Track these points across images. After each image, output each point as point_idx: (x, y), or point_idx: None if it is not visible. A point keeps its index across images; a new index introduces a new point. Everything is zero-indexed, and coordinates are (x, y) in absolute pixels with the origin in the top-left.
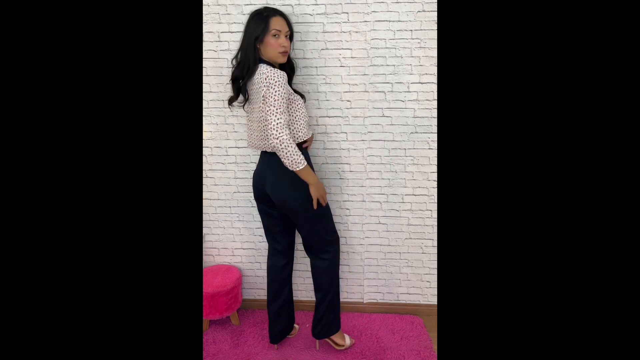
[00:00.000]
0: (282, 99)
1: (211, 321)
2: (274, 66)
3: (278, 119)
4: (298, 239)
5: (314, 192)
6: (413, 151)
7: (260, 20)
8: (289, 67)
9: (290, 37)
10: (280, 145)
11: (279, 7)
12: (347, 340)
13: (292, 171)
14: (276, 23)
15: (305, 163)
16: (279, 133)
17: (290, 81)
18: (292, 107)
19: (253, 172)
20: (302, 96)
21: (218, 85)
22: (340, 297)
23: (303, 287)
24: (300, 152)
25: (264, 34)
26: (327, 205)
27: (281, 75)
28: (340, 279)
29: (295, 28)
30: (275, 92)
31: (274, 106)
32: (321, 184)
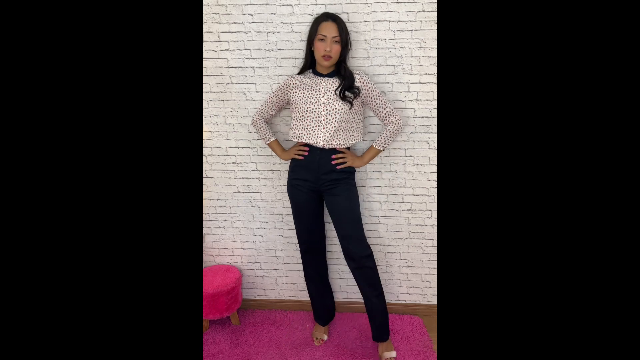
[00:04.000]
0: (273, 93)
1: (211, 321)
2: (319, 73)
3: (259, 106)
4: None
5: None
6: (413, 151)
7: (313, 24)
8: (341, 76)
9: (345, 45)
10: (252, 125)
11: (281, 6)
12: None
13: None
14: (324, 28)
15: (271, 139)
16: (253, 115)
17: (342, 90)
18: (293, 108)
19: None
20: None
21: (218, 85)
22: (341, 297)
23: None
24: (266, 130)
25: (313, 37)
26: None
27: (284, 80)
28: (340, 279)
29: (295, 28)
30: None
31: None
32: (285, 153)
